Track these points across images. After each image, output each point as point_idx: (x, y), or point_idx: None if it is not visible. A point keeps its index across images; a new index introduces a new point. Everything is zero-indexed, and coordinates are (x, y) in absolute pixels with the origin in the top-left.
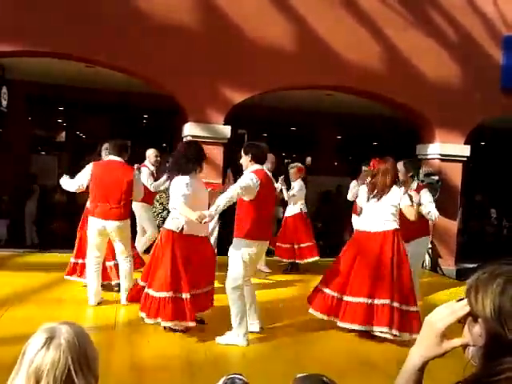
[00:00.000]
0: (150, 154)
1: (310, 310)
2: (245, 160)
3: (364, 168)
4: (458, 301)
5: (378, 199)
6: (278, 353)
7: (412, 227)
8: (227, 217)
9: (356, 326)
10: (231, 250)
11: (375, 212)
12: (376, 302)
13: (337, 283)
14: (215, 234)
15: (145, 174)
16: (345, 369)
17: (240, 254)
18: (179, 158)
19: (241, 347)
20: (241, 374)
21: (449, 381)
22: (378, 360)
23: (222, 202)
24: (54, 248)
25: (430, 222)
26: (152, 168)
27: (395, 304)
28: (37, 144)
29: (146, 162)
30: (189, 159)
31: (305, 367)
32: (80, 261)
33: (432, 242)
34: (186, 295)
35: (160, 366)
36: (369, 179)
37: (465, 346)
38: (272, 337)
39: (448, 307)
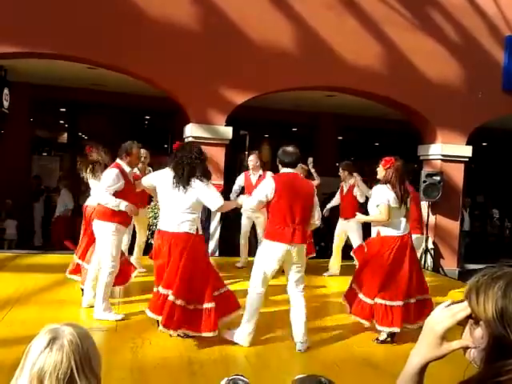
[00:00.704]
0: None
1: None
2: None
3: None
4: (458, 302)
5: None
6: (279, 353)
7: None
8: (227, 219)
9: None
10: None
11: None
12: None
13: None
14: (217, 235)
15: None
16: (346, 369)
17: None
18: (202, 163)
19: (242, 347)
20: (242, 375)
21: (450, 383)
22: (378, 361)
23: None
24: (56, 250)
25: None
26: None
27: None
28: (38, 145)
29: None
30: (206, 164)
31: (306, 368)
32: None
33: (434, 243)
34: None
35: (161, 367)
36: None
37: (465, 348)
38: (273, 337)
39: (448, 309)
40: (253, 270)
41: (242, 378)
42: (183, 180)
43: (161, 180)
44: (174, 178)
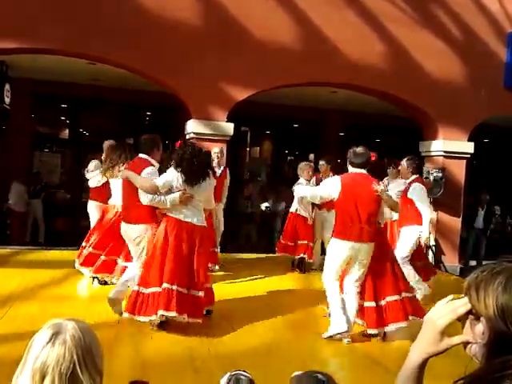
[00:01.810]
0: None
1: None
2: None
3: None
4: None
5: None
6: (281, 349)
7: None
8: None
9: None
10: None
11: None
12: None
13: None
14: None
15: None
16: (346, 365)
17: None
18: (208, 163)
19: (243, 344)
20: (245, 371)
21: (451, 378)
22: (379, 356)
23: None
24: (58, 245)
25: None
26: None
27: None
28: (40, 141)
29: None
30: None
31: (307, 364)
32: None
33: (435, 239)
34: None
35: (163, 362)
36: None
37: (465, 344)
38: (275, 333)
39: (448, 305)
40: (325, 267)
41: (243, 373)
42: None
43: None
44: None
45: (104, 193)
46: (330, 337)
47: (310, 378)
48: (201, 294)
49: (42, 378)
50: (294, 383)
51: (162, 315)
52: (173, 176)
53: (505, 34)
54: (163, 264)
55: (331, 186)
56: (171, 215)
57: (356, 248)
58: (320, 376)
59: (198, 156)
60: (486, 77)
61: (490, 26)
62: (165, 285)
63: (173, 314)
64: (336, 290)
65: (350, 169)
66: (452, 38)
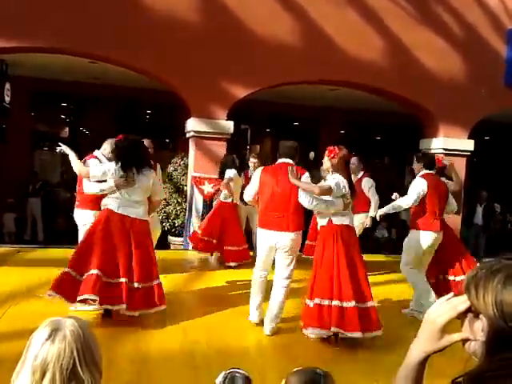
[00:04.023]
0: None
1: None
2: (417, 166)
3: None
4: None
5: None
6: (279, 347)
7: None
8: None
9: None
10: None
11: None
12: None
13: None
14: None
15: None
16: (346, 363)
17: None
18: (145, 154)
19: (242, 340)
20: (240, 368)
21: (450, 375)
22: (379, 353)
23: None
24: (58, 244)
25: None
26: (105, 160)
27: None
28: (40, 140)
29: (98, 153)
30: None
31: (306, 361)
32: None
33: None
34: None
35: (162, 359)
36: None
37: (464, 341)
38: (276, 331)
39: (448, 302)
40: (406, 255)
41: (239, 371)
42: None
43: None
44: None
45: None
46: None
47: (307, 372)
48: (137, 285)
49: (43, 374)
50: (291, 377)
51: (86, 299)
52: (109, 166)
53: (505, 30)
54: (91, 251)
55: (421, 187)
56: (107, 207)
57: (437, 237)
58: (318, 370)
59: (135, 148)
60: (487, 74)
61: (490, 23)
62: (91, 271)
63: (92, 297)
64: (423, 276)
65: (423, 170)
66: (452, 35)
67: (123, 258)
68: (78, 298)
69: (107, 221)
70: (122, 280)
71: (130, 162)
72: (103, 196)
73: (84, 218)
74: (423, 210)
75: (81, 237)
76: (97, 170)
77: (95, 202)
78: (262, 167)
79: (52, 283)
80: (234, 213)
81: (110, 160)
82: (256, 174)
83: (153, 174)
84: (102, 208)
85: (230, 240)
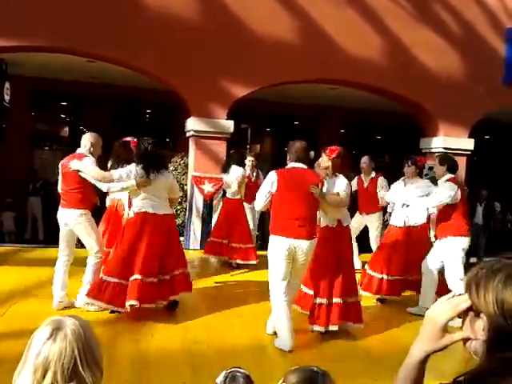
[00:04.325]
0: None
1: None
2: (440, 169)
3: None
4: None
5: None
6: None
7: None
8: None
9: None
10: None
11: None
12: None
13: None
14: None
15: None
16: (347, 362)
17: None
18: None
19: (242, 340)
20: (240, 368)
21: (451, 374)
22: (379, 353)
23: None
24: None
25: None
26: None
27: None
28: (40, 139)
29: (84, 151)
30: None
31: (305, 360)
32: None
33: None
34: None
35: (163, 359)
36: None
37: (465, 340)
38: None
39: (449, 302)
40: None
41: (240, 370)
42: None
43: None
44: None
45: None
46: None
47: (305, 371)
48: (167, 277)
49: (44, 373)
50: (289, 375)
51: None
52: (131, 168)
53: (503, 29)
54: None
55: (452, 191)
56: (142, 210)
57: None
58: (315, 369)
59: (154, 151)
60: (486, 73)
61: (489, 21)
62: (135, 276)
63: (134, 302)
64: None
65: (448, 174)
66: (452, 34)
67: (162, 255)
68: (127, 304)
69: (143, 222)
70: (165, 277)
71: (151, 163)
72: (87, 196)
73: (69, 217)
74: (456, 216)
75: (64, 237)
76: (122, 172)
77: (81, 201)
78: (275, 171)
79: (90, 290)
80: (241, 210)
81: (93, 156)
82: (270, 180)
83: (170, 174)
84: (134, 212)
85: (237, 237)
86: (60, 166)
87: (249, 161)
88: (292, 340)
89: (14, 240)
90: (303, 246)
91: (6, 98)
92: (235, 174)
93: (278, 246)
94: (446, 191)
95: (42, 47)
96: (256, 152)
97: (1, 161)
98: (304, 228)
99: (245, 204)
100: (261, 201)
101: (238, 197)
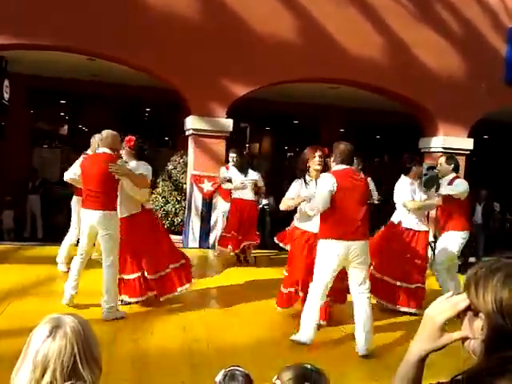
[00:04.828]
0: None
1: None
2: (447, 168)
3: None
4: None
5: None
6: (279, 346)
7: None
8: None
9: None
10: None
11: None
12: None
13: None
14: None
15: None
16: (346, 360)
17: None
18: None
19: (242, 339)
20: (240, 366)
21: (449, 373)
22: (378, 352)
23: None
24: (57, 241)
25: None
26: None
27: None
28: (39, 137)
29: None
30: None
31: (305, 360)
32: None
33: (434, 236)
34: None
35: (162, 358)
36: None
37: (464, 339)
38: (274, 329)
39: (447, 301)
40: (442, 256)
41: (239, 368)
42: None
43: None
44: None
45: None
46: None
47: (298, 368)
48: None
49: (44, 370)
50: (283, 372)
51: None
52: (149, 167)
53: (505, 29)
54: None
55: (466, 187)
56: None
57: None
58: (309, 366)
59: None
60: (487, 72)
61: (490, 21)
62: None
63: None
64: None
65: (452, 173)
66: (452, 33)
67: (145, 252)
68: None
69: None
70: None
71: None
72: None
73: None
74: (459, 211)
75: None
76: (149, 175)
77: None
78: (330, 173)
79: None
80: (254, 209)
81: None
82: (329, 182)
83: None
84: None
85: (249, 235)
86: None
87: (230, 157)
88: (315, 335)
89: (13, 238)
90: (360, 248)
91: (6, 96)
92: (254, 176)
93: (333, 251)
94: (463, 185)
95: (42, 45)
96: (255, 150)
97: (0, 159)
98: (361, 229)
99: (219, 200)
100: (323, 203)
101: (256, 198)
